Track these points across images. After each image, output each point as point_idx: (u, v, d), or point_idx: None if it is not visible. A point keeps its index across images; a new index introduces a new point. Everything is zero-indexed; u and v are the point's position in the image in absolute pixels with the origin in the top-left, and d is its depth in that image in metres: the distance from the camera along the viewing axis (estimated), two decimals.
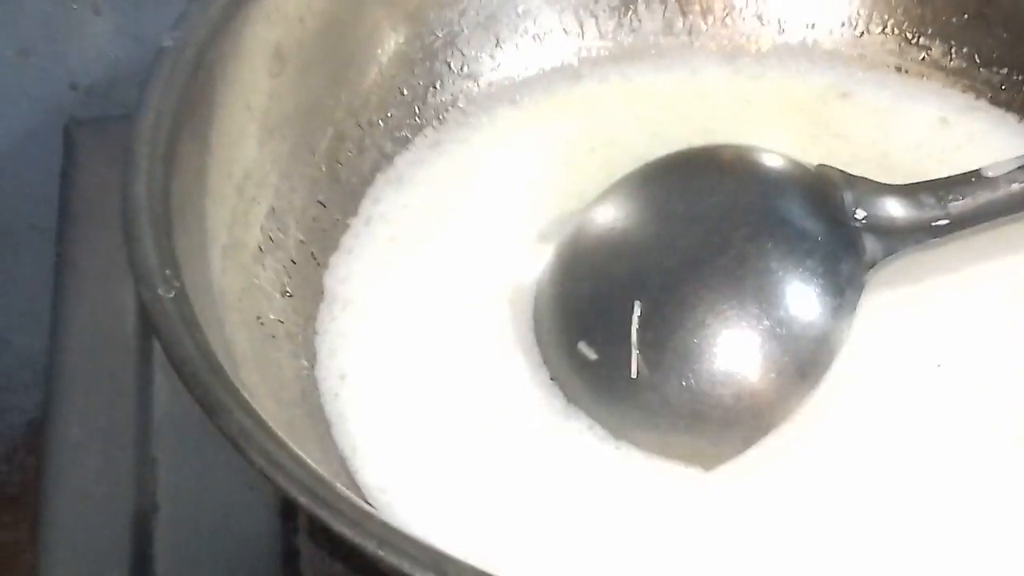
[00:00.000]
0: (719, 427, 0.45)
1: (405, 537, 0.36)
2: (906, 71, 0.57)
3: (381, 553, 0.35)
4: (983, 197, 0.48)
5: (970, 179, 0.48)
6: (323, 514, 0.36)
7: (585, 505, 0.44)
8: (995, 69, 0.56)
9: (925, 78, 0.57)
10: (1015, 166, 0.48)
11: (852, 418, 0.47)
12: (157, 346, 0.54)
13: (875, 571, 0.43)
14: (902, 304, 0.49)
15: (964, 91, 0.56)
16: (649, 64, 0.58)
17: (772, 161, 0.49)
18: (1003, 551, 0.43)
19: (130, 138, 0.44)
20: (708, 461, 0.45)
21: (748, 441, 0.45)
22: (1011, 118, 0.55)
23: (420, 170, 0.54)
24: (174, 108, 0.45)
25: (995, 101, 0.56)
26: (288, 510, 0.51)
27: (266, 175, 0.49)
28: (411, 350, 0.48)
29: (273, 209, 0.49)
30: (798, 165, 0.48)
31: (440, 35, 0.56)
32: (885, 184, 0.48)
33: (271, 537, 0.51)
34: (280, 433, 0.39)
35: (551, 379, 0.47)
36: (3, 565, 0.82)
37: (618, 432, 0.45)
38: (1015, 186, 0.47)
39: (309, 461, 0.38)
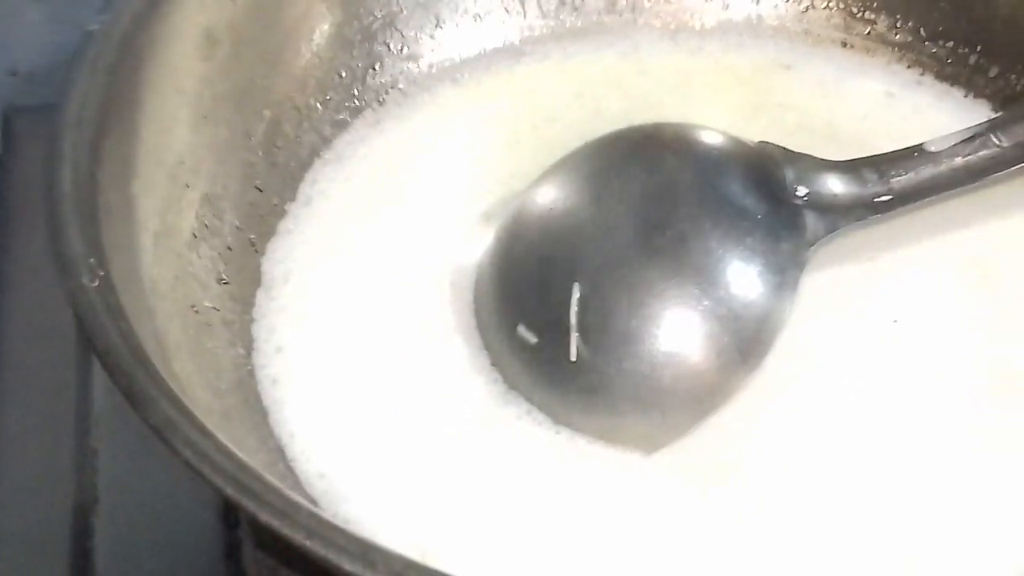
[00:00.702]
0: (661, 409, 0.44)
1: (333, 527, 0.35)
2: (852, 46, 0.57)
3: (308, 544, 0.35)
4: (926, 172, 0.47)
5: (912, 154, 0.47)
6: (250, 505, 0.35)
7: (525, 491, 0.43)
8: (941, 43, 0.56)
9: (871, 53, 0.57)
10: (957, 140, 0.47)
11: (800, 395, 0.46)
12: None
13: (822, 547, 0.43)
14: (852, 280, 0.49)
15: (910, 66, 0.56)
16: (591, 42, 0.57)
17: (712, 139, 0.48)
18: (963, 510, 0.43)
19: (55, 125, 0.43)
20: (649, 444, 0.44)
21: (690, 423, 0.44)
22: (956, 92, 0.55)
23: (360, 148, 0.53)
24: (101, 94, 0.45)
25: (940, 75, 0.56)
26: (229, 506, 0.50)
27: (200, 161, 0.49)
28: (349, 333, 0.48)
29: (208, 195, 0.49)
30: (739, 142, 0.48)
31: (379, 16, 0.55)
32: (827, 160, 0.48)
33: (213, 529, 0.50)
34: (213, 423, 0.38)
35: (491, 364, 0.46)
36: None
37: (559, 417, 0.45)
38: (957, 160, 0.47)
39: (237, 452, 0.37)
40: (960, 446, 0.45)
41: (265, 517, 0.35)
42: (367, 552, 0.34)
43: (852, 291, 0.48)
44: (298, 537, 0.35)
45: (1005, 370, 0.46)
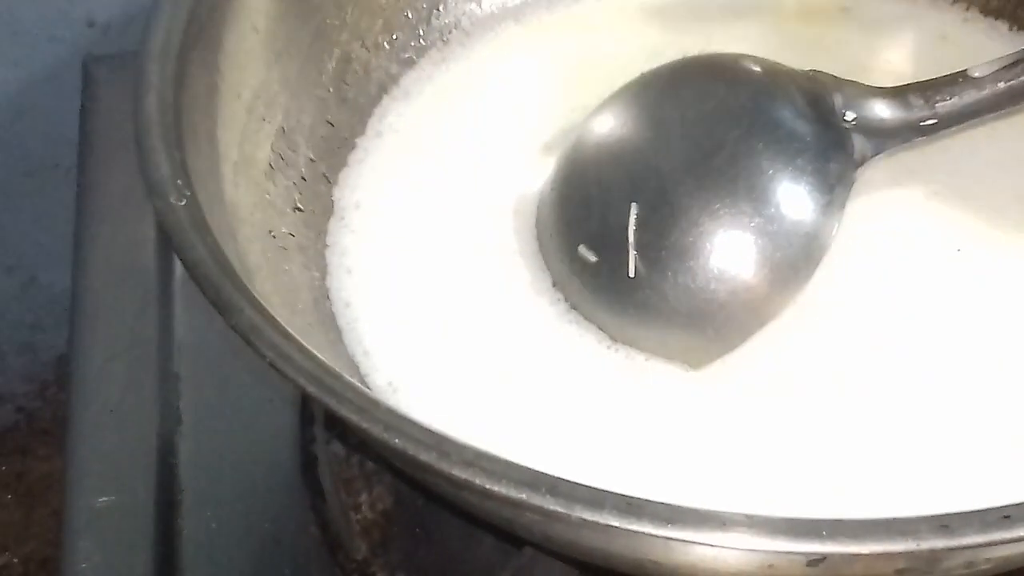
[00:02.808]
0: (714, 323, 0.46)
1: (409, 421, 0.37)
2: None
3: (386, 436, 0.37)
4: (969, 96, 0.49)
5: (957, 79, 0.49)
6: (331, 402, 0.38)
7: (584, 404, 0.46)
8: None
9: None
10: (1000, 66, 0.49)
11: (848, 315, 0.48)
12: (177, 270, 0.56)
13: (869, 464, 0.44)
14: (916, 207, 0.51)
15: (955, 1, 0.57)
16: None
17: (764, 66, 0.50)
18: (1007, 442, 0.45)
19: (140, 58, 0.46)
20: (702, 358, 0.46)
21: (741, 337, 0.46)
22: (1001, 26, 0.56)
23: (427, 86, 0.56)
24: (183, 29, 0.47)
25: (986, 10, 0.57)
26: (306, 418, 0.52)
27: (275, 95, 0.51)
28: (417, 257, 0.50)
29: (283, 128, 0.51)
30: (789, 70, 0.50)
31: None
32: (874, 87, 0.49)
33: (290, 445, 0.53)
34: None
35: (553, 285, 0.48)
36: (40, 495, 0.84)
37: (617, 334, 0.47)
38: (1000, 84, 0.49)
39: (317, 354, 0.39)
40: (1010, 372, 0.46)
41: (345, 412, 0.37)
42: (441, 443, 0.37)
43: (915, 218, 0.50)
44: (376, 429, 0.37)
45: None
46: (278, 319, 0.40)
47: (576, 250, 0.47)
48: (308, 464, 0.51)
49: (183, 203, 0.42)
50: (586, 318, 0.47)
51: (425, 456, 0.36)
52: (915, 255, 0.49)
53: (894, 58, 0.56)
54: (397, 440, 0.37)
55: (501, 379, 0.47)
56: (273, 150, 0.50)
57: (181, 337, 0.56)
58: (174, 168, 0.43)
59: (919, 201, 0.50)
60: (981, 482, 0.44)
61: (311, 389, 0.38)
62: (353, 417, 0.37)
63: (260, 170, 0.50)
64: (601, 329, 0.47)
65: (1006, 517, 0.35)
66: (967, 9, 0.57)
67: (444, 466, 0.36)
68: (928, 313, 0.48)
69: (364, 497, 0.50)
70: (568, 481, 0.36)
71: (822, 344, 0.47)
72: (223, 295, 0.40)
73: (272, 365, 0.39)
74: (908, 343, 0.47)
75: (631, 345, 0.47)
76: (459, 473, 0.36)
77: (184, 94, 0.46)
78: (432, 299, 0.49)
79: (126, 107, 0.45)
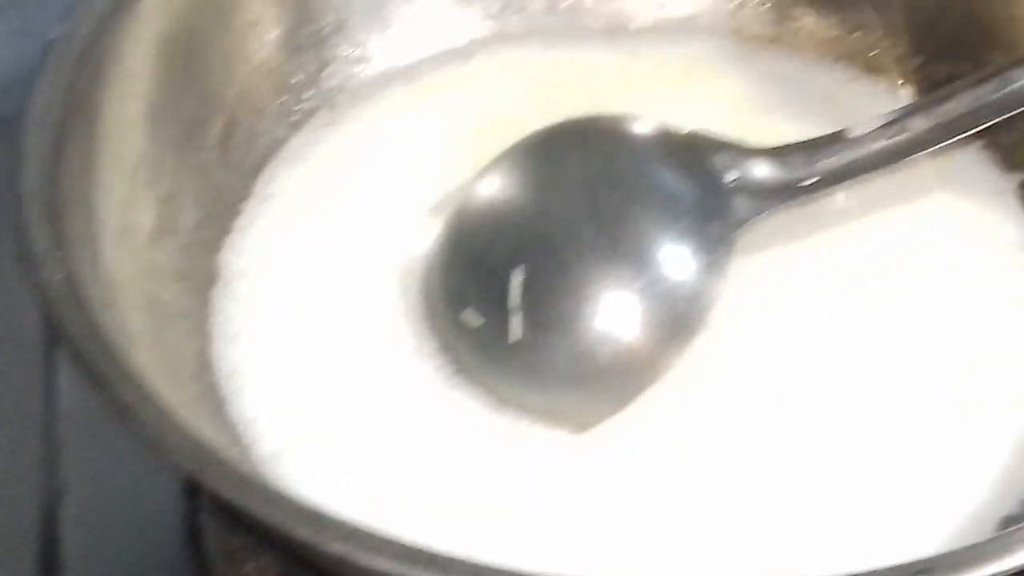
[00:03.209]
0: (600, 385, 0.46)
1: (284, 497, 0.37)
2: (782, 42, 0.59)
3: (261, 512, 0.37)
4: (848, 156, 0.50)
5: (836, 139, 0.50)
6: (207, 478, 0.37)
7: (470, 470, 0.45)
8: (867, 36, 0.58)
9: (800, 49, 0.59)
10: (877, 125, 0.50)
11: (734, 375, 0.48)
12: None
13: (762, 527, 0.45)
14: (791, 266, 0.51)
15: (837, 59, 0.58)
16: (536, 43, 0.59)
17: (645, 128, 0.50)
18: (896, 488, 0.45)
19: (20, 128, 0.45)
20: (588, 421, 0.46)
21: (628, 397, 0.46)
22: (884, 84, 0.57)
23: (315, 147, 0.55)
24: (63, 98, 0.47)
25: (868, 68, 0.58)
26: (192, 489, 0.52)
27: (158, 162, 0.51)
28: (304, 324, 0.50)
29: (167, 194, 0.51)
30: (671, 131, 0.50)
31: (328, 21, 0.57)
32: (755, 147, 0.50)
33: (176, 516, 0.52)
34: (170, 408, 0.40)
35: (439, 349, 0.48)
36: None
37: (502, 398, 0.47)
38: (878, 144, 0.50)
39: (197, 427, 0.39)
40: (891, 427, 0.47)
41: (221, 489, 0.37)
42: (318, 519, 0.36)
43: (803, 276, 0.51)
44: (252, 506, 0.37)
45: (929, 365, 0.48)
46: (156, 393, 0.40)
47: (461, 314, 0.47)
48: (194, 534, 0.51)
49: (60, 276, 0.42)
50: (472, 382, 0.47)
51: (302, 532, 0.36)
52: (804, 314, 0.49)
53: (780, 118, 0.56)
54: (272, 516, 0.36)
55: (386, 446, 0.46)
56: (156, 217, 0.50)
57: (65, 405, 0.55)
58: (52, 241, 0.43)
59: (808, 259, 0.51)
60: (879, 543, 0.44)
61: (186, 466, 0.38)
62: (227, 494, 0.37)
63: (143, 238, 0.49)
64: (487, 393, 0.47)
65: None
66: (850, 68, 0.58)
67: (321, 542, 0.36)
68: (817, 372, 0.48)
69: (250, 567, 0.49)
70: (446, 555, 0.36)
71: (709, 404, 0.47)
72: (98, 371, 0.40)
73: (148, 443, 0.38)
74: (797, 401, 0.47)
75: (517, 409, 0.47)
76: (337, 548, 0.36)
77: (64, 163, 0.46)
78: (318, 366, 0.49)
79: (3, 177, 0.45)
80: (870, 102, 0.56)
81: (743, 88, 0.58)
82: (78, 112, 0.47)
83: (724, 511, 0.45)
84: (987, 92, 0.49)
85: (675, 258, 0.47)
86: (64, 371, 0.56)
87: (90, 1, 0.49)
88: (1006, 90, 0.49)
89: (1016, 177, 0.54)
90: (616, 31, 0.59)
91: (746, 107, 0.57)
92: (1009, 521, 0.44)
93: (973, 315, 0.49)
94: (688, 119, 0.54)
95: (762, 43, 0.59)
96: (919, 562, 0.36)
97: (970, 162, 0.54)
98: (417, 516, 0.45)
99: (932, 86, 0.56)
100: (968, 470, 0.45)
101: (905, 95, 0.57)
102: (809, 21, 0.59)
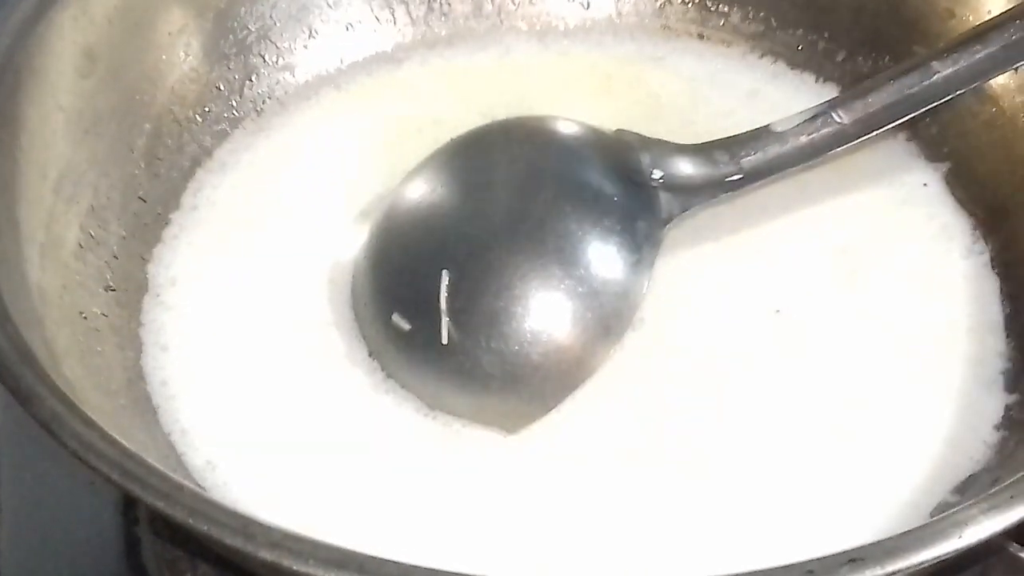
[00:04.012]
0: (529, 386, 0.47)
1: (214, 505, 0.37)
2: (708, 38, 0.59)
3: (191, 521, 0.36)
4: (772, 151, 0.50)
5: (760, 134, 0.50)
6: (135, 488, 0.37)
7: (402, 474, 0.46)
8: (791, 31, 0.58)
9: (727, 44, 0.59)
10: (801, 120, 0.50)
11: (664, 366, 0.48)
12: None
13: (686, 519, 0.45)
14: (730, 259, 0.51)
15: (763, 55, 0.58)
16: (464, 46, 0.60)
17: (570, 129, 0.51)
18: (833, 501, 0.45)
19: None
20: (520, 421, 0.46)
21: (558, 398, 0.47)
22: (808, 78, 0.58)
23: (242, 156, 0.55)
24: None
25: (792, 63, 0.58)
26: (128, 502, 0.52)
27: (83, 174, 0.50)
28: (234, 331, 0.50)
29: (92, 207, 0.50)
30: (596, 131, 0.50)
31: (252, 29, 0.57)
32: (680, 144, 0.50)
33: (113, 529, 0.52)
34: (104, 422, 0.40)
35: (369, 355, 0.48)
36: None
37: (434, 401, 0.47)
38: (802, 138, 0.50)
39: (121, 440, 0.39)
40: (823, 418, 0.47)
41: (149, 499, 0.37)
42: (247, 526, 0.36)
43: (733, 276, 0.51)
44: (181, 515, 0.37)
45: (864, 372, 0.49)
46: (83, 405, 0.40)
47: (390, 318, 0.47)
48: (131, 546, 0.51)
49: None
50: (403, 387, 0.47)
51: (231, 540, 0.36)
52: (732, 315, 0.49)
53: (708, 114, 0.56)
54: (202, 525, 0.36)
55: (318, 452, 0.46)
56: (82, 229, 0.50)
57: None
58: None
59: (735, 258, 0.51)
60: (813, 533, 0.44)
61: (114, 476, 0.38)
62: (158, 503, 0.37)
63: (69, 251, 0.49)
64: (418, 397, 0.47)
65: (809, 572, 0.35)
66: (775, 63, 0.58)
67: (251, 548, 0.36)
68: (748, 367, 0.48)
69: None
70: (377, 558, 0.36)
71: (639, 401, 0.47)
72: (23, 385, 0.39)
73: (75, 454, 0.38)
74: (728, 396, 0.48)
75: (448, 412, 0.47)
76: (266, 555, 0.36)
77: None
78: (249, 374, 0.49)
79: None
80: (796, 96, 0.57)
81: (670, 86, 0.58)
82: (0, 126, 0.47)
83: (654, 507, 0.45)
84: (909, 84, 0.50)
85: (602, 257, 0.47)
86: None
87: (7, 15, 0.49)
88: (927, 82, 0.50)
89: (942, 167, 0.54)
90: (544, 32, 0.59)
91: (673, 104, 0.57)
92: (941, 509, 0.44)
93: (904, 306, 0.50)
94: (616, 118, 0.54)
95: (688, 39, 0.59)
96: (851, 551, 0.37)
97: (896, 153, 0.55)
98: (351, 521, 0.45)
99: (856, 79, 0.57)
100: (900, 460, 0.46)
101: (830, 89, 0.57)
102: (734, 17, 0.59)
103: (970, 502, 0.38)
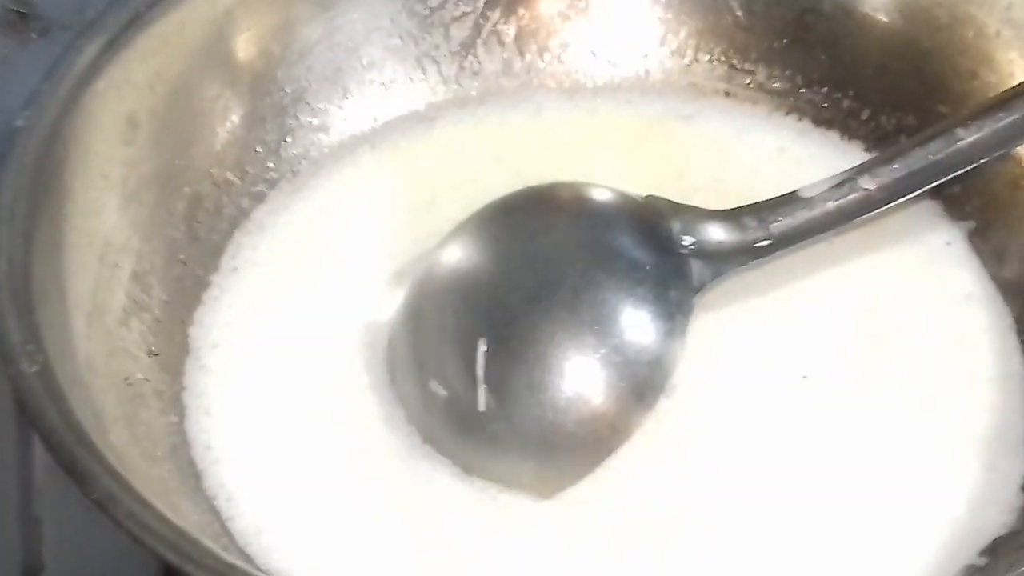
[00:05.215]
0: (564, 453, 0.48)
1: None
2: (735, 96, 0.60)
3: None
4: (801, 217, 0.51)
5: (788, 200, 0.51)
6: (190, 569, 0.39)
7: (442, 540, 0.47)
8: (816, 89, 0.59)
9: (753, 102, 0.60)
10: (828, 186, 0.51)
11: (697, 432, 0.50)
12: None
13: None
14: (756, 322, 0.52)
15: (788, 112, 0.59)
16: (495, 105, 0.60)
17: (602, 196, 0.52)
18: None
19: None
20: (554, 487, 0.47)
21: (592, 464, 0.48)
22: (833, 136, 0.59)
23: (280, 217, 0.56)
24: (30, 186, 0.47)
25: (817, 120, 0.59)
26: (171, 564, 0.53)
27: (127, 240, 0.52)
28: (275, 395, 0.51)
29: (135, 272, 0.52)
30: (627, 198, 0.51)
31: (288, 91, 0.58)
32: (710, 210, 0.51)
33: None
34: (150, 490, 0.41)
35: (406, 420, 0.49)
36: None
37: (470, 467, 0.48)
38: (829, 204, 0.51)
39: (174, 519, 0.40)
40: (852, 482, 0.48)
41: None
42: None
43: (759, 340, 0.52)
44: None
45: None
46: (134, 482, 0.41)
47: (427, 385, 0.48)
48: None
49: (35, 369, 0.43)
50: (439, 451, 0.48)
51: None
52: (761, 382, 0.50)
53: (736, 172, 0.57)
54: None
55: (359, 517, 0.48)
56: (127, 295, 0.51)
57: (41, 480, 0.56)
58: (25, 332, 0.44)
59: (762, 321, 0.52)
60: None
61: (170, 557, 0.39)
62: None
63: (114, 317, 0.50)
64: (454, 463, 0.48)
65: None
66: (800, 120, 0.59)
67: None
68: (780, 430, 0.49)
69: None
70: None
71: (673, 467, 0.48)
72: (79, 465, 0.41)
73: (130, 534, 0.39)
74: (761, 460, 0.49)
75: (484, 478, 0.48)
76: None
77: (34, 251, 0.46)
78: (290, 438, 0.50)
79: None
80: (821, 154, 0.58)
81: (699, 144, 0.59)
82: (46, 199, 0.48)
83: (686, 573, 0.46)
84: (933, 150, 0.51)
85: (636, 325, 0.48)
86: (38, 446, 0.57)
87: (52, 87, 0.50)
88: (952, 148, 0.51)
89: (965, 226, 0.55)
90: (575, 91, 0.60)
91: (702, 162, 0.58)
92: (968, 573, 0.45)
93: (930, 369, 0.51)
94: (646, 176, 0.55)
95: (716, 97, 0.60)
96: None
97: (919, 213, 0.55)
98: None
99: (881, 138, 0.58)
100: (925, 524, 0.47)
101: (855, 147, 0.58)
102: (760, 75, 0.60)
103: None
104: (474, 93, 0.61)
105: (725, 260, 0.50)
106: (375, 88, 0.60)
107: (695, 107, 0.60)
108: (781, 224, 0.51)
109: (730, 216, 0.51)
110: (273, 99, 0.58)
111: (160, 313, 0.52)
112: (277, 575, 0.45)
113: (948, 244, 0.55)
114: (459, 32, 0.60)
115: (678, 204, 0.51)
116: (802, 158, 0.58)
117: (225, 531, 0.47)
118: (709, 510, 0.47)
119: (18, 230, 0.46)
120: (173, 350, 0.52)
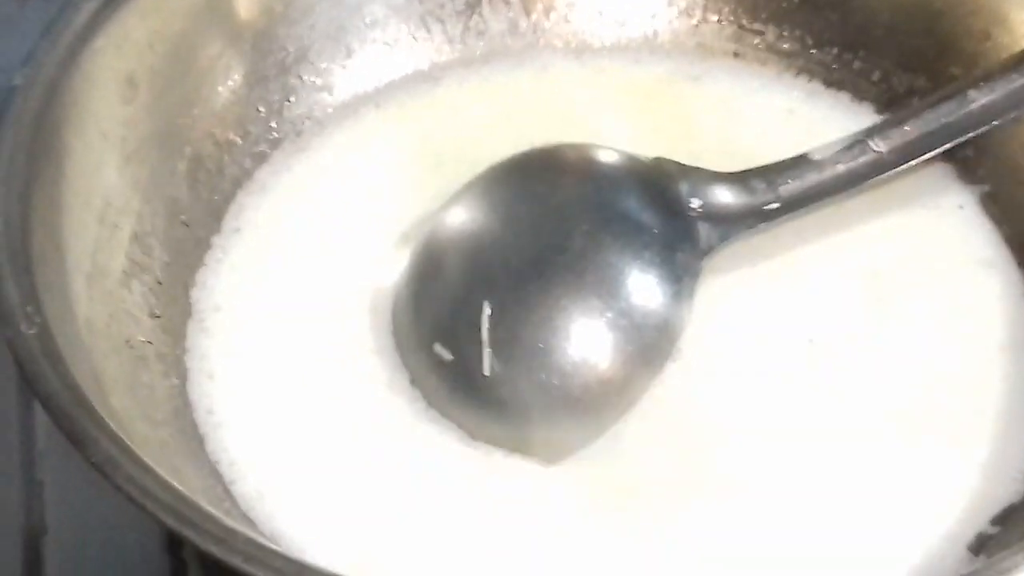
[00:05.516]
0: (570, 417, 0.47)
1: (269, 551, 0.38)
2: (744, 57, 0.60)
3: (246, 567, 0.37)
4: (811, 179, 0.50)
5: (797, 163, 0.50)
6: (189, 534, 0.38)
7: (446, 504, 0.46)
8: (826, 50, 0.59)
9: (762, 63, 0.59)
10: (838, 148, 0.50)
11: (705, 396, 0.49)
12: None
13: (727, 551, 0.45)
14: (767, 293, 0.52)
15: (798, 73, 0.59)
16: (500, 64, 0.60)
17: (609, 158, 0.51)
18: (875, 534, 0.46)
19: None
20: (560, 452, 0.47)
21: (599, 429, 0.47)
22: (844, 97, 0.58)
23: (282, 177, 0.56)
24: (28, 145, 0.47)
25: (828, 81, 0.58)
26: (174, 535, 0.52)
27: (127, 201, 0.51)
28: (278, 358, 0.50)
29: (136, 233, 0.51)
30: (635, 160, 0.51)
31: (291, 50, 0.57)
32: (718, 172, 0.51)
33: (158, 554, 0.52)
34: (151, 454, 0.41)
35: (411, 383, 0.49)
36: None
37: (475, 431, 0.47)
38: (839, 167, 0.50)
39: (175, 484, 0.39)
40: (861, 449, 0.48)
41: (205, 544, 0.38)
42: (301, 572, 0.37)
43: (766, 304, 0.51)
44: (236, 561, 0.37)
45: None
46: (134, 446, 0.40)
47: (431, 348, 0.48)
48: (177, 571, 0.51)
49: (33, 331, 0.42)
50: (444, 416, 0.48)
51: None
52: (768, 345, 0.50)
53: (744, 133, 0.57)
54: (257, 572, 0.37)
55: (362, 482, 0.47)
56: (127, 257, 0.50)
57: (42, 443, 0.56)
58: (23, 293, 0.43)
59: (768, 285, 0.51)
60: (852, 566, 0.45)
61: (169, 522, 0.38)
62: (213, 549, 0.38)
63: (114, 279, 0.49)
64: (459, 427, 0.48)
65: None
66: (810, 82, 0.58)
67: None
68: (786, 395, 0.49)
69: None
70: None
71: (677, 435, 0.48)
72: (77, 428, 0.40)
73: (130, 498, 0.39)
74: (767, 426, 0.48)
75: (489, 442, 0.47)
76: None
77: (32, 212, 0.46)
78: (293, 402, 0.49)
79: None
80: (832, 116, 0.57)
81: (707, 105, 0.58)
82: (45, 158, 0.47)
83: (692, 537, 0.46)
84: (946, 112, 0.50)
85: (642, 289, 0.48)
86: (39, 410, 0.56)
87: (50, 45, 0.49)
88: (965, 110, 0.50)
89: (977, 190, 0.54)
90: (582, 50, 0.59)
91: (711, 124, 0.57)
92: (980, 540, 0.45)
93: (940, 334, 0.50)
94: (654, 137, 0.54)
95: (724, 58, 0.60)
96: None
97: (931, 176, 0.55)
98: (394, 550, 0.46)
99: (892, 99, 0.57)
100: (936, 491, 0.46)
101: (866, 109, 0.57)
102: (770, 36, 0.59)
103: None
104: (479, 53, 0.60)
105: (733, 223, 0.50)
106: (379, 47, 0.59)
107: (703, 68, 0.59)
108: (790, 187, 0.50)
109: (738, 178, 0.50)
110: (275, 58, 0.57)
111: (161, 275, 0.51)
112: (280, 540, 0.44)
113: (960, 208, 0.54)
114: None
115: (686, 166, 0.51)
116: (812, 120, 0.57)
117: (227, 495, 0.47)
118: (716, 474, 0.47)
119: (16, 190, 0.46)
120: (175, 312, 0.51)
